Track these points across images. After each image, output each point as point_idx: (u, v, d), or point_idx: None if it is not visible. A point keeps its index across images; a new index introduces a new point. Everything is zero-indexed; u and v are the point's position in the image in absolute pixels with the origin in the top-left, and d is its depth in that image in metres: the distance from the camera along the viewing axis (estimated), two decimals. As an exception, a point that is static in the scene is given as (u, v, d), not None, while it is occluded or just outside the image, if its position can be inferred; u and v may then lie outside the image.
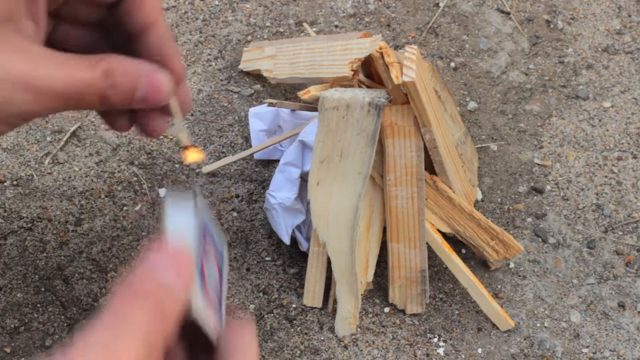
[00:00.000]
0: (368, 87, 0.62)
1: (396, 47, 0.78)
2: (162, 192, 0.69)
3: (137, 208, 0.68)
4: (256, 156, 0.69)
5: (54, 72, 0.46)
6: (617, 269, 0.67)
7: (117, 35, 0.52)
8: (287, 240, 0.63)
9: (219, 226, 0.46)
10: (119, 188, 0.69)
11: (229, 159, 0.67)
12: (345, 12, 0.81)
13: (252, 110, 0.70)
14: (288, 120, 0.66)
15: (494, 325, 0.64)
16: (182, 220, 0.37)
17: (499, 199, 0.70)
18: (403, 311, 0.64)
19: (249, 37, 0.78)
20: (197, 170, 0.70)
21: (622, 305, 0.65)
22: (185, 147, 0.57)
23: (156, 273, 0.35)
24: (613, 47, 0.79)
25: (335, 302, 0.62)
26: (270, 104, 0.64)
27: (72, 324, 0.62)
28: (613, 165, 0.72)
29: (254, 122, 0.70)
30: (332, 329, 0.63)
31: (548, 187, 0.71)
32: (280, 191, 0.62)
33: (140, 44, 0.51)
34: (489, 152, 0.73)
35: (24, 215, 0.67)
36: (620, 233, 0.69)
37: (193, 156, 0.59)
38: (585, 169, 0.72)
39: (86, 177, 0.69)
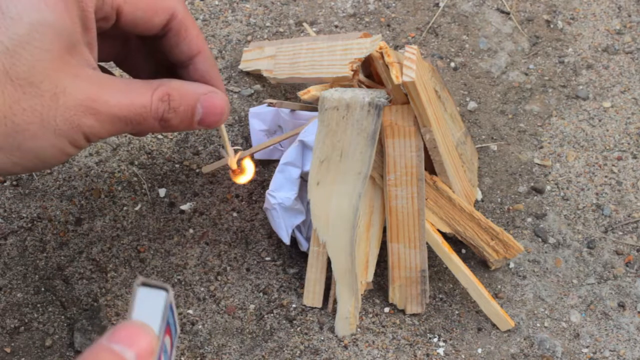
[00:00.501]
0: (368, 87, 0.62)
1: (396, 47, 0.78)
2: (162, 192, 0.69)
3: (137, 208, 0.68)
4: (256, 156, 0.69)
5: (116, 98, 0.48)
6: (617, 269, 0.67)
7: (162, 57, 0.55)
8: (287, 240, 0.63)
9: (178, 320, 0.47)
10: (119, 188, 0.69)
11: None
12: (345, 12, 0.81)
13: (252, 110, 0.70)
14: (288, 120, 0.66)
15: (494, 325, 0.64)
16: (150, 310, 0.38)
17: (499, 199, 0.70)
18: (403, 311, 0.64)
19: (249, 37, 0.78)
20: (197, 171, 0.70)
21: (622, 305, 0.65)
22: (233, 171, 0.60)
23: (118, 348, 0.35)
24: (613, 47, 0.79)
25: (335, 302, 0.62)
26: (270, 104, 0.64)
27: (72, 324, 0.62)
28: (613, 165, 0.72)
29: (254, 122, 0.70)
30: (332, 329, 0.63)
31: (548, 187, 0.71)
32: (280, 191, 0.62)
33: (187, 70, 0.54)
34: (489, 152, 0.73)
35: (24, 215, 0.67)
36: (620, 233, 0.69)
37: (241, 178, 0.61)
38: (585, 169, 0.72)
39: (86, 177, 0.69)
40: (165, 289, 0.38)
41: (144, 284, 0.37)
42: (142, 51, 0.56)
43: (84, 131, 0.47)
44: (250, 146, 0.71)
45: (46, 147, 0.46)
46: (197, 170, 0.70)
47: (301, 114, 0.66)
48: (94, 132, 0.48)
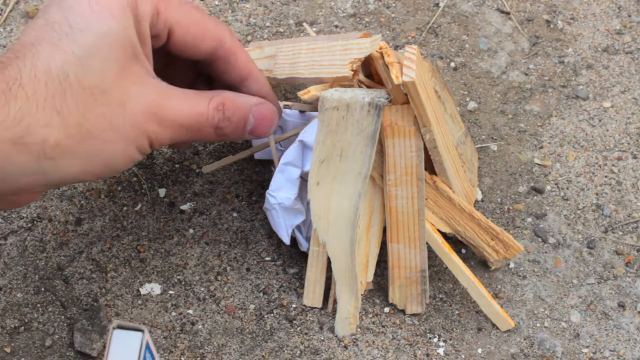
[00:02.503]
0: (368, 87, 0.62)
1: (396, 47, 0.78)
2: (162, 192, 0.69)
3: (137, 208, 0.68)
4: (256, 156, 0.69)
5: (177, 106, 0.51)
6: (617, 269, 0.67)
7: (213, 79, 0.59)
8: (287, 240, 0.63)
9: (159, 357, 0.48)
10: (119, 188, 0.69)
11: (229, 158, 0.67)
12: (345, 12, 0.81)
13: (253, 110, 0.70)
14: (289, 121, 0.66)
15: (494, 325, 0.64)
16: (126, 352, 0.39)
17: (499, 199, 0.70)
18: (403, 311, 0.64)
19: (249, 37, 0.78)
20: (197, 171, 0.70)
21: (622, 305, 0.65)
22: None
23: None
24: (613, 47, 0.79)
25: (335, 302, 0.62)
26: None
27: (72, 324, 0.62)
28: (613, 165, 0.72)
29: (254, 122, 0.70)
30: (332, 329, 0.63)
31: (548, 187, 0.71)
32: (280, 191, 0.62)
33: (239, 90, 0.57)
34: (489, 152, 0.73)
35: (24, 215, 0.67)
36: (620, 233, 0.69)
37: None
38: (585, 169, 0.72)
39: (86, 177, 0.69)
40: (141, 330, 0.38)
41: (120, 327, 0.38)
42: (185, 68, 0.59)
43: (150, 137, 0.49)
44: (251, 146, 0.71)
45: (116, 154, 0.48)
46: (197, 170, 0.70)
47: (311, 114, 0.66)
48: (158, 138, 0.50)
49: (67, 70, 0.46)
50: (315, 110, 0.65)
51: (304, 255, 0.64)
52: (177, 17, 0.52)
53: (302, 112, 0.66)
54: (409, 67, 0.56)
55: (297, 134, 0.63)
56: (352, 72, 0.59)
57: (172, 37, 0.53)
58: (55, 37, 0.47)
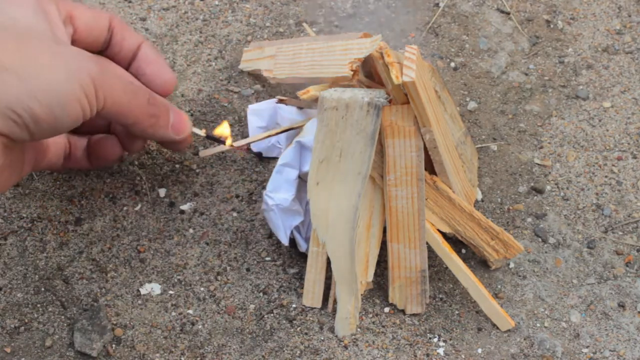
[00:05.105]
0: (368, 87, 0.62)
1: (396, 47, 0.78)
2: (162, 192, 0.69)
3: (137, 208, 0.68)
4: (253, 147, 0.69)
5: (113, 65, 0.55)
6: (617, 269, 0.67)
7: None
8: (286, 241, 0.63)
9: None
10: (119, 188, 0.69)
11: (226, 147, 0.67)
12: (345, 12, 0.81)
13: (251, 107, 0.70)
14: (287, 118, 0.66)
15: (494, 325, 0.64)
16: None
17: (499, 199, 0.70)
18: (403, 311, 0.64)
19: (249, 37, 0.78)
20: (198, 171, 0.70)
21: (622, 305, 0.65)
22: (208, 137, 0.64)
23: None
24: (613, 47, 0.79)
25: (335, 302, 0.62)
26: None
27: (72, 324, 0.62)
28: (613, 165, 0.72)
29: (252, 119, 0.70)
30: (332, 329, 0.63)
31: (548, 187, 0.71)
32: (278, 192, 0.62)
33: (136, 61, 0.61)
34: (489, 152, 0.73)
35: (24, 215, 0.67)
36: (620, 233, 0.69)
37: (220, 132, 0.66)
38: (585, 169, 0.72)
39: (86, 177, 0.69)
40: None
41: None
42: None
43: (92, 77, 0.49)
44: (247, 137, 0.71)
45: (59, 80, 0.48)
46: (197, 171, 0.70)
47: (309, 112, 0.66)
48: (100, 82, 0.50)
49: None
50: (311, 107, 0.65)
51: (304, 256, 0.64)
52: (72, 7, 0.56)
53: (299, 108, 0.66)
54: (409, 67, 0.56)
55: (293, 129, 0.64)
56: (352, 72, 0.59)
57: (75, 21, 0.56)
58: None
